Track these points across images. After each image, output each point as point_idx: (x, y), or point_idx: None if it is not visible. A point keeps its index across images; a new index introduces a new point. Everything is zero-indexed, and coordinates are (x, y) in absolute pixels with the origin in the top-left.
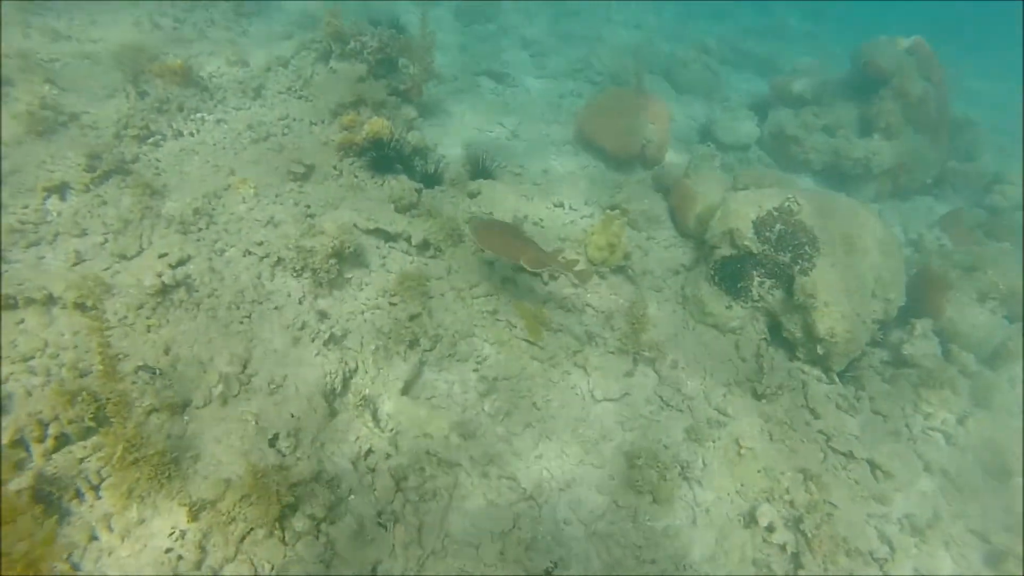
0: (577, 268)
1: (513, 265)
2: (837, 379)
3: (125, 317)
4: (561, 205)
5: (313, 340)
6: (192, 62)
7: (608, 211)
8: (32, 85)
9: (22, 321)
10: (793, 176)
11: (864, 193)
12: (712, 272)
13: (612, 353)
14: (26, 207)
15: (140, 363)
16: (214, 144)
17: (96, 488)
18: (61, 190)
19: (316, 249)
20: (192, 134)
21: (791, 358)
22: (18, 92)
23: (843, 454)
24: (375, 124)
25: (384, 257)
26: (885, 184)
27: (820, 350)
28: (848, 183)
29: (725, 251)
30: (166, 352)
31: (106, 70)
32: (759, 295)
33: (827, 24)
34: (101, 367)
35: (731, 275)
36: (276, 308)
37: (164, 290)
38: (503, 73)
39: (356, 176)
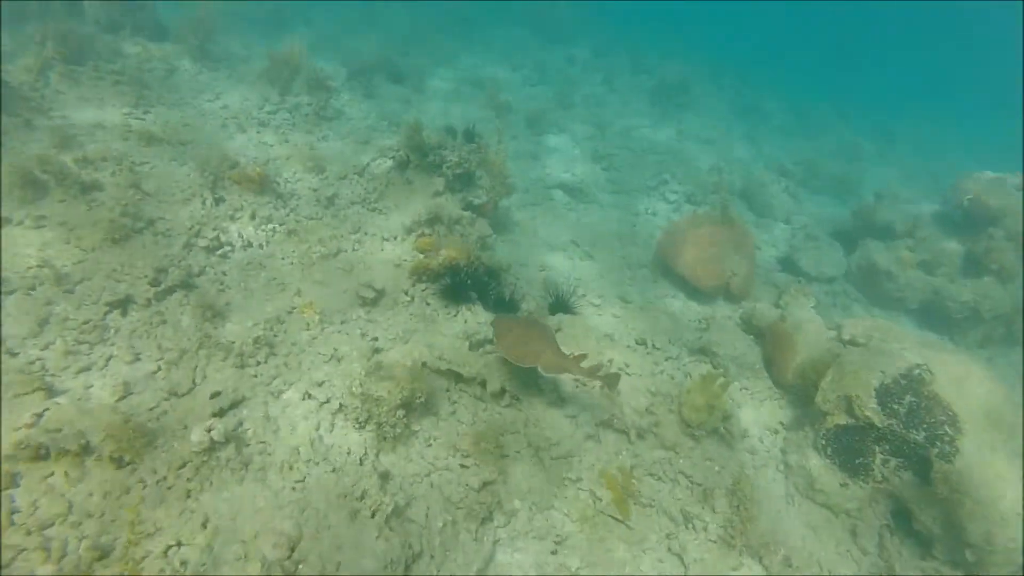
0: (602, 373)
1: (597, 421)
2: None
3: (164, 479)
4: (644, 343)
5: (373, 515)
6: (269, 167)
7: (710, 370)
8: (121, 192)
9: (50, 475)
10: (889, 315)
11: (970, 338)
12: (823, 442)
13: (713, 542)
14: (87, 322)
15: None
16: (282, 258)
17: None
18: (124, 304)
19: (383, 398)
20: (261, 246)
21: (924, 556)
22: (106, 197)
23: None
24: (452, 250)
25: (455, 403)
26: (996, 330)
27: (970, 556)
28: (950, 326)
29: (839, 419)
30: (203, 525)
31: (188, 172)
32: (882, 475)
33: (898, 144)
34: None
35: (847, 448)
36: (334, 471)
37: (212, 447)
38: (576, 188)
39: (428, 304)
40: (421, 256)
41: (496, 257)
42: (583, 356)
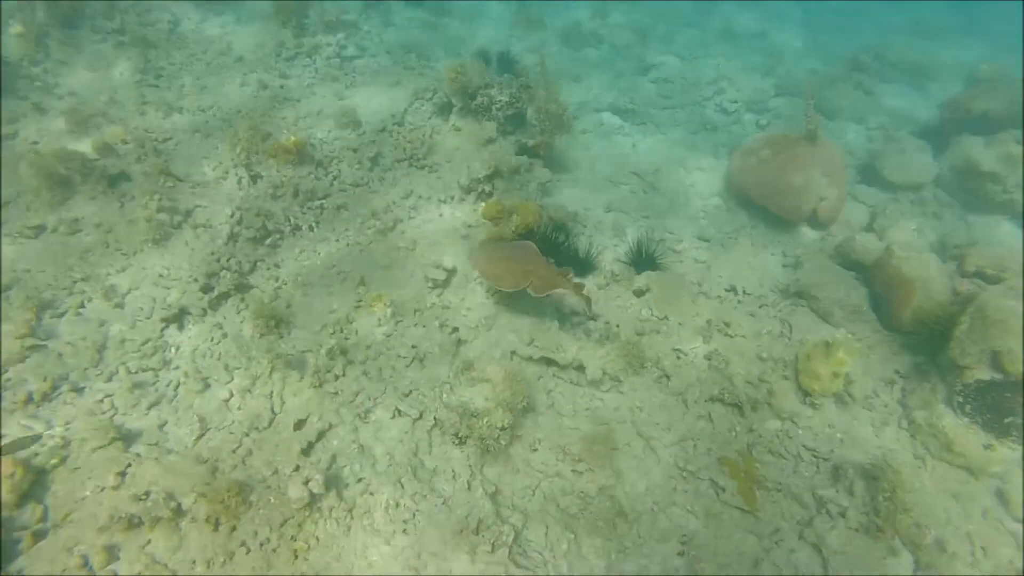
0: (586, 291)
1: (708, 398)
2: None
3: (267, 540)
4: (733, 290)
5: (494, 548)
6: (300, 126)
7: (837, 336)
8: (150, 181)
9: (148, 544)
10: (989, 222)
11: None
12: (961, 399)
13: (855, 531)
14: (147, 342)
15: None
16: (336, 240)
17: None
18: (180, 318)
19: (481, 410)
20: (311, 227)
21: None
22: (136, 189)
23: None
24: (525, 213)
25: (551, 392)
26: None
27: None
28: None
29: (982, 374)
30: None
31: (216, 146)
32: None
33: (983, 14)
34: None
35: (992, 406)
36: (443, 501)
37: (312, 500)
38: (627, 108)
39: None
40: (490, 224)
41: (561, 206)
42: (569, 270)
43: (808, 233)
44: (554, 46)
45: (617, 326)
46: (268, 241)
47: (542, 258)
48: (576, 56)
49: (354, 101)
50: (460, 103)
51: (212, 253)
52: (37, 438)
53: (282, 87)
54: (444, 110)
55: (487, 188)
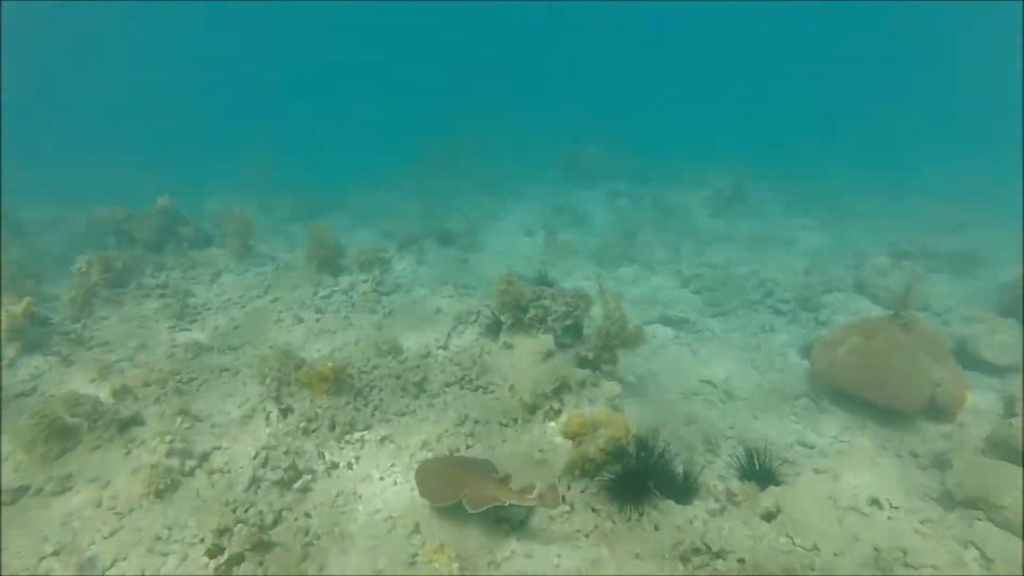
0: (537, 493)
1: None
2: None
3: None
4: (876, 503)
5: None
6: (337, 357)
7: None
8: (165, 423)
9: None
10: None
11: None
12: None
13: None
14: None
15: None
16: (381, 478)
17: None
18: None
19: None
20: (350, 465)
21: None
22: (147, 433)
23: None
24: (613, 426)
25: None
26: None
27: None
28: None
29: None
30: None
31: (244, 380)
32: None
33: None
34: None
35: None
36: None
37: None
38: (679, 319)
39: (595, 510)
40: (569, 441)
41: (639, 421)
42: (509, 477)
43: (929, 427)
44: (589, 268)
45: (755, 565)
46: (298, 484)
47: (484, 473)
48: (613, 275)
49: (393, 330)
50: (510, 319)
51: (227, 503)
52: None
53: (318, 320)
54: (492, 329)
55: (555, 405)
